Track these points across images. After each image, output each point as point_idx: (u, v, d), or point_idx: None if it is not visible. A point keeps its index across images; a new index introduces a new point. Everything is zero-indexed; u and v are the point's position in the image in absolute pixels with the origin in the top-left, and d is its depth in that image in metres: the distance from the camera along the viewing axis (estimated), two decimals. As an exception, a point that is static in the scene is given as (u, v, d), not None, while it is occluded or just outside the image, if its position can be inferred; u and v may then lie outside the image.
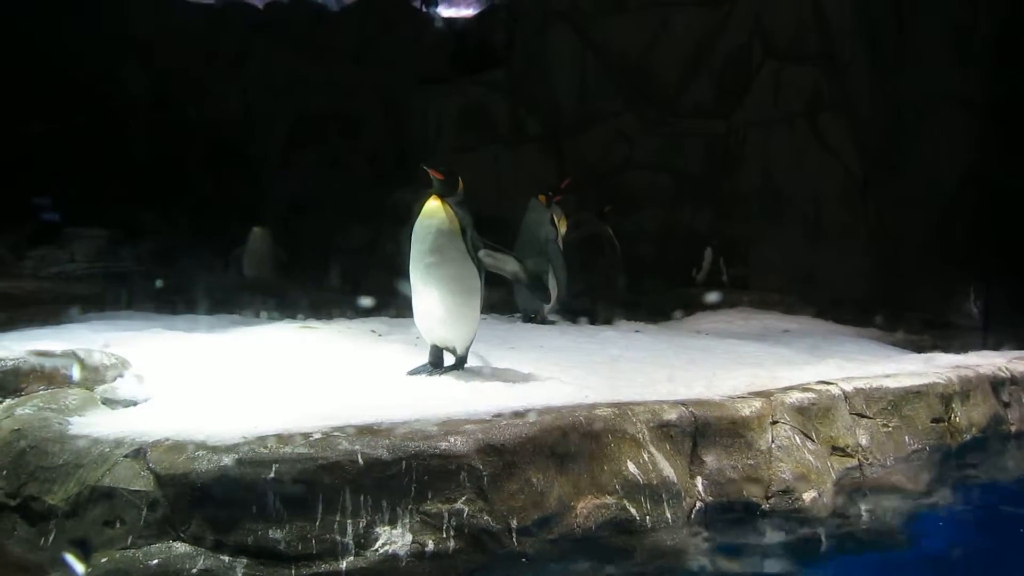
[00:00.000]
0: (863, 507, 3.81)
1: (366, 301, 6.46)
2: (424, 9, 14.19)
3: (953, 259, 9.22)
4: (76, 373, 3.59)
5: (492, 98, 11.48)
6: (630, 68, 10.86)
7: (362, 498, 2.78)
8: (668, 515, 3.29)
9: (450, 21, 14.35)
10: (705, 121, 10.53)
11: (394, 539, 2.77)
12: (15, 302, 6.70)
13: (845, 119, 10.02)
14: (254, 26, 13.09)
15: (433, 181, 3.98)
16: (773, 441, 3.71)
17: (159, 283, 7.75)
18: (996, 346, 6.00)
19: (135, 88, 12.11)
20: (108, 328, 5.14)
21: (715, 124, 10.49)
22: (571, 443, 3.21)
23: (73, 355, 3.70)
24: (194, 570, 2.64)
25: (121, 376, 3.80)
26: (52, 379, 3.54)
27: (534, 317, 6.91)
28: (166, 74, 12.18)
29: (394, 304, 5.99)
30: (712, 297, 8.22)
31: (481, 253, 3.98)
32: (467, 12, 15.27)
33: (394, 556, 2.75)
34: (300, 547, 2.69)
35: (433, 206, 3.93)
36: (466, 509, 2.86)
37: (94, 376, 3.71)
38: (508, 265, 4.09)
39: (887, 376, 4.52)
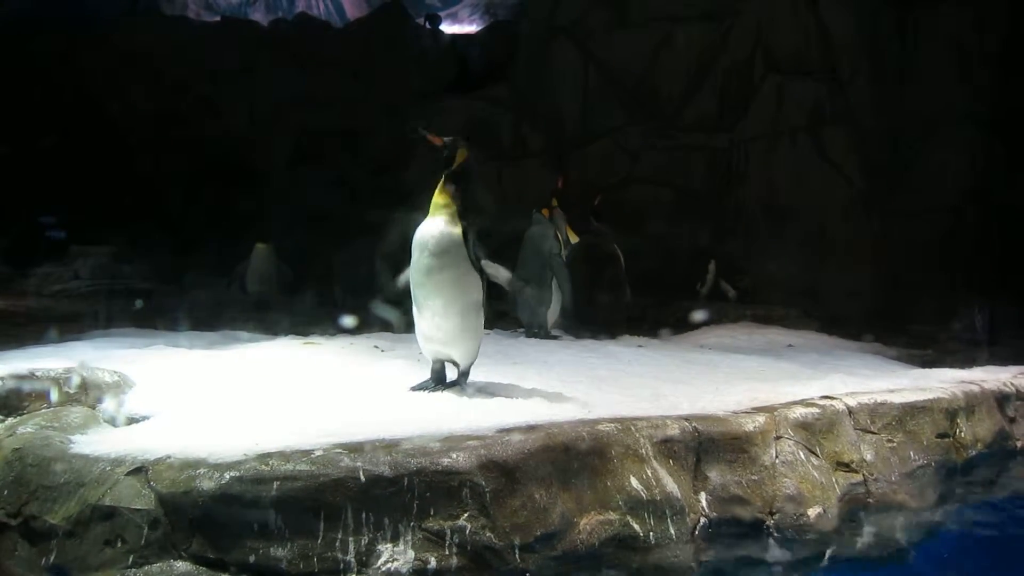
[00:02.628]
0: (868, 523, 3.78)
1: (349, 321, 6.45)
2: (427, 25, 14.27)
3: (956, 273, 9.20)
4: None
5: (495, 113, 11.52)
6: (632, 83, 10.90)
7: (364, 515, 2.76)
8: (672, 531, 3.27)
9: (453, 37, 14.44)
10: (707, 135, 10.55)
11: (396, 556, 2.76)
12: (18, 320, 6.71)
13: (847, 133, 10.03)
14: (258, 43, 13.17)
15: (440, 149, 3.91)
16: (777, 456, 3.69)
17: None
18: (1001, 361, 5.97)
19: (139, 104, 12.17)
20: (111, 345, 5.15)
21: (717, 138, 10.50)
22: (574, 459, 3.20)
23: (74, 373, 3.69)
24: (195, 589, 2.63)
25: (123, 393, 3.80)
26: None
27: (538, 332, 6.90)
28: (171, 90, 12.25)
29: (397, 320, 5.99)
30: (699, 316, 8.17)
31: (482, 262, 3.95)
32: (470, 28, 15.37)
33: (396, 574, 2.73)
34: (302, 565, 2.68)
35: (439, 204, 3.84)
36: (469, 526, 2.85)
37: (97, 393, 3.71)
38: (501, 273, 4.05)
39: (891, 391, 4.50)
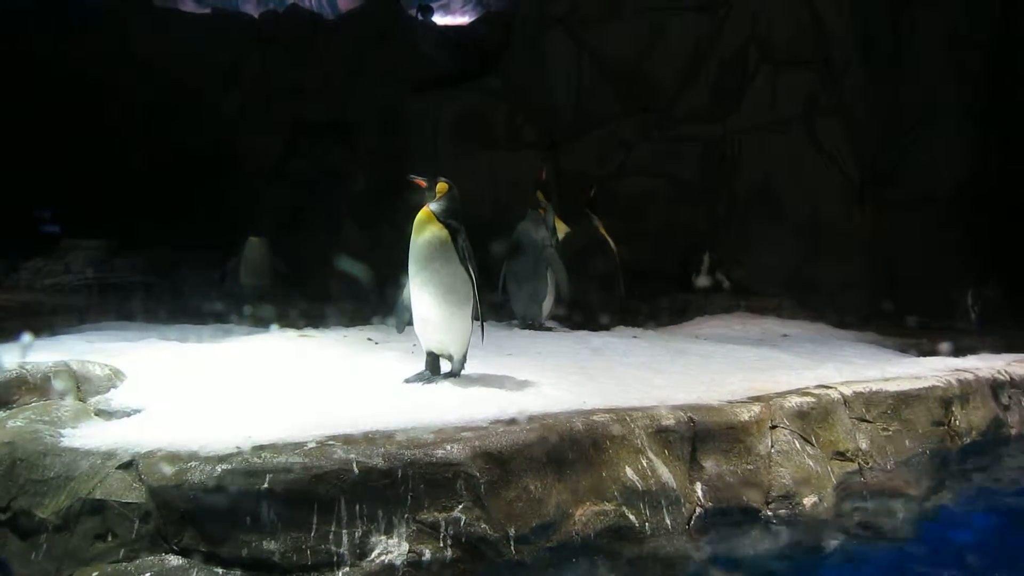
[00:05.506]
0: (864, 511, 3.78)
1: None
2: (419, 16, 14.20)
3: (950, 263, 9.21)
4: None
5: (488, 104, 11.45)
6: (626, 73, 10.84)
7: (358, 507, 2.75)
8: (668, 521, 3.26)
9: (446, 28, 14.37)
10: (702, 126, 10.50)
11: (390, 549, 2.74)
12: (9, 314, 6.67)
13: (842, 124, 10.00)
14: (249, 36, 13.09)
15: (424, 190, 4.11)
16: (773, 446, 3.69)
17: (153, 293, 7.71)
18: (995, 349, 5.98)
19: (131, 98, 12.10)
20: (103, 339, 5.13)
21: (712, 129, 10.45)
22: (569, 449, 3.19)
23: (65, 366, 3.67)
24: (187, 583, 2.61)
25: (115, 387, 3.77)
26: (44, 391, 3.51)
27: (532, 324, 6.89)
28: (162, 84, 12.17)
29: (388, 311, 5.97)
30: (702, 281, 8.31)
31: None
32: (463, 19, 15.31)
33: (390, 566, 2.71)
34: (295, 558, 2.66)
35: (422, 218, 4.01)
36: (463, 517, 2.83)
37: (88, 387, 3.68)
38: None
39: (886, 380, 4.50)
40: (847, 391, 4.18)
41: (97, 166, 11.10)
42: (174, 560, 2.64)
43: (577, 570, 3.02)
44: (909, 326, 8.05)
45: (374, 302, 6.82)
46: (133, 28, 12.62)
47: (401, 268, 4.11)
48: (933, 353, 6.17)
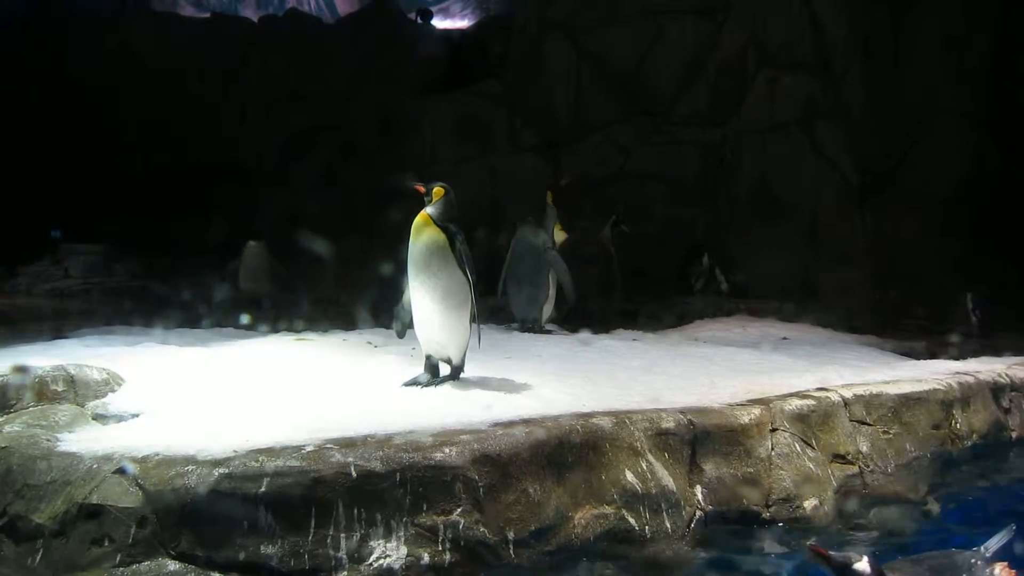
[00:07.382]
0: (865, 515, 3.77)
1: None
2: (419, 21, 14.19)
3: (950, 266, 9.20)
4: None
5: (488, 108, 11.46)
6: (626, 77, 10.85)
7: (356, 511, 2.74)
8: (667, 524, 3.25)
9: (445, 32, 14.36)
10: (701, 130, 10.51)
11: (389, 552, 2.73)
12: (8, 319, 6.66)
13: (841, 127, 10.01)
14: (249, 39, 13.09)
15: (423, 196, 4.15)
16: (773, 449, 3.68)
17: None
18: (995, 352, 5.97)
19: (131, 102, 12.10)
20: (101, 343, 5.12)
21: (711, 132, 10.46)
22: (568, 453, 3.18)
23: (63, 371, 3.65)
24: (184, 588, 2.59)
25: (113, 391, 3.76)
26: (41, 395, 3.50)
27: (531, 327, 6.87)
28: (162, 88, 12.17)
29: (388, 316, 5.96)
30: (701, 284, 8.44)
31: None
32: (462, 23, 15.30)
33: (389, 570, 2.70)
34: (293, 562, 2.65)
35: (420, 222, 4.02)
36: (462, 521, 2.82)
37: (85, 391, 3.67)
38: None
39: (887, 383, 4.49)
40: (847, 394, 4.17)
41: (96, 170, 11.10)
42: (171, 565, 2.62)
43: (577, 574, 3.01)
44: (909, 328, 8.03)
45: (372, 306, 6.80)
46: (133, 32, 12.62)
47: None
48: (933, 356, 6.16)
